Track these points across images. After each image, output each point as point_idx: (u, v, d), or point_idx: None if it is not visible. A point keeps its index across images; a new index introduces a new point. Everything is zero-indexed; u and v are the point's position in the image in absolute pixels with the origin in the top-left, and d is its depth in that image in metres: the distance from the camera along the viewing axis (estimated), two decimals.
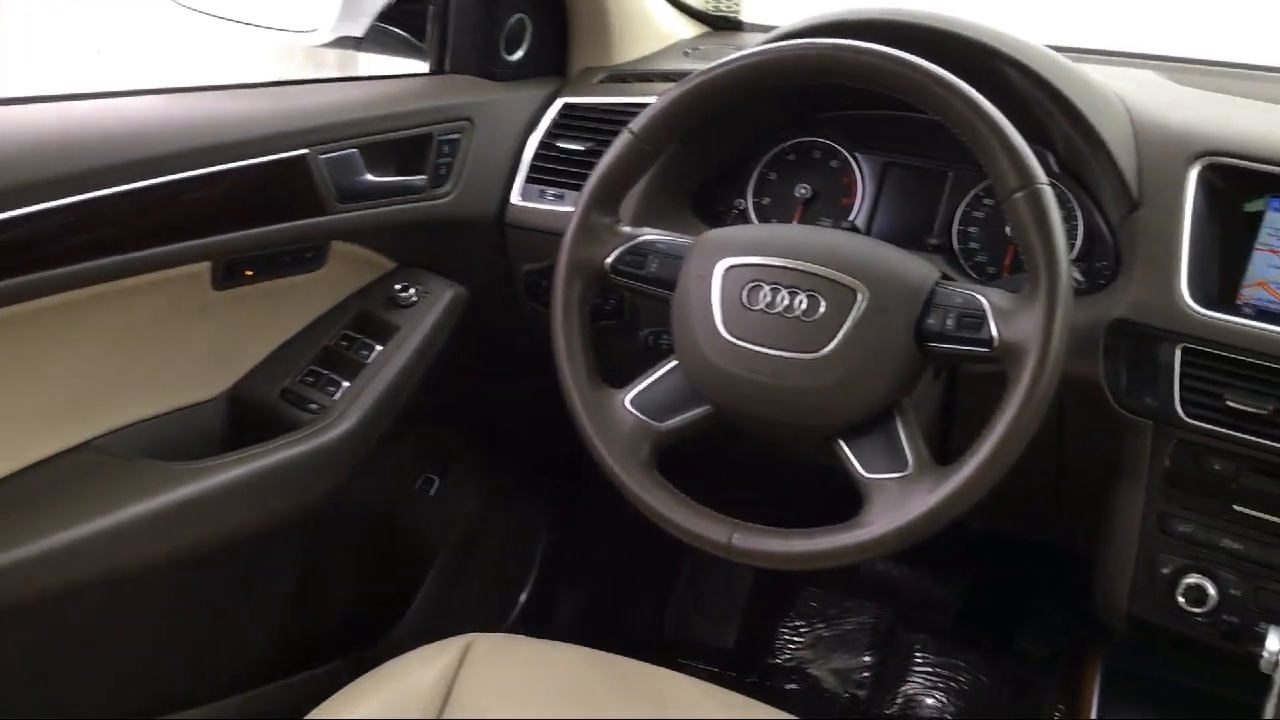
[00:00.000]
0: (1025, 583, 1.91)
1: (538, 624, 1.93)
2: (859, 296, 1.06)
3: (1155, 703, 1.23)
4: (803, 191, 1.42)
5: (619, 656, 1.19)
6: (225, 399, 1.38)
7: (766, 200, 1.45)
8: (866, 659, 1.95)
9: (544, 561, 1.96)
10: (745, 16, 1.91)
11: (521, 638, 1.24)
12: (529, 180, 1.51)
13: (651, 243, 1.18)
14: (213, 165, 1.22)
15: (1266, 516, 1.12)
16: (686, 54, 1.71)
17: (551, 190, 1.49)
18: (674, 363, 1.16)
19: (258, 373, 1.40)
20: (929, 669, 1.90)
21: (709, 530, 1.09)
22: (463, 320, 1.50)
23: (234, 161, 1.24)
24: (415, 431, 1.61)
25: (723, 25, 1.89)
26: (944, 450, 1.24)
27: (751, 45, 1.13)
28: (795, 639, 2.00)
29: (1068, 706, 1.65)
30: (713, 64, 1.12)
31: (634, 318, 1.45)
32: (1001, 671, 1.85)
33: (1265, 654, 0.99)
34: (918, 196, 1.38)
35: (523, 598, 1.93)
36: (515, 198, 1.51)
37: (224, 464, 1.27)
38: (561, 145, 1.50)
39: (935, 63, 1.03)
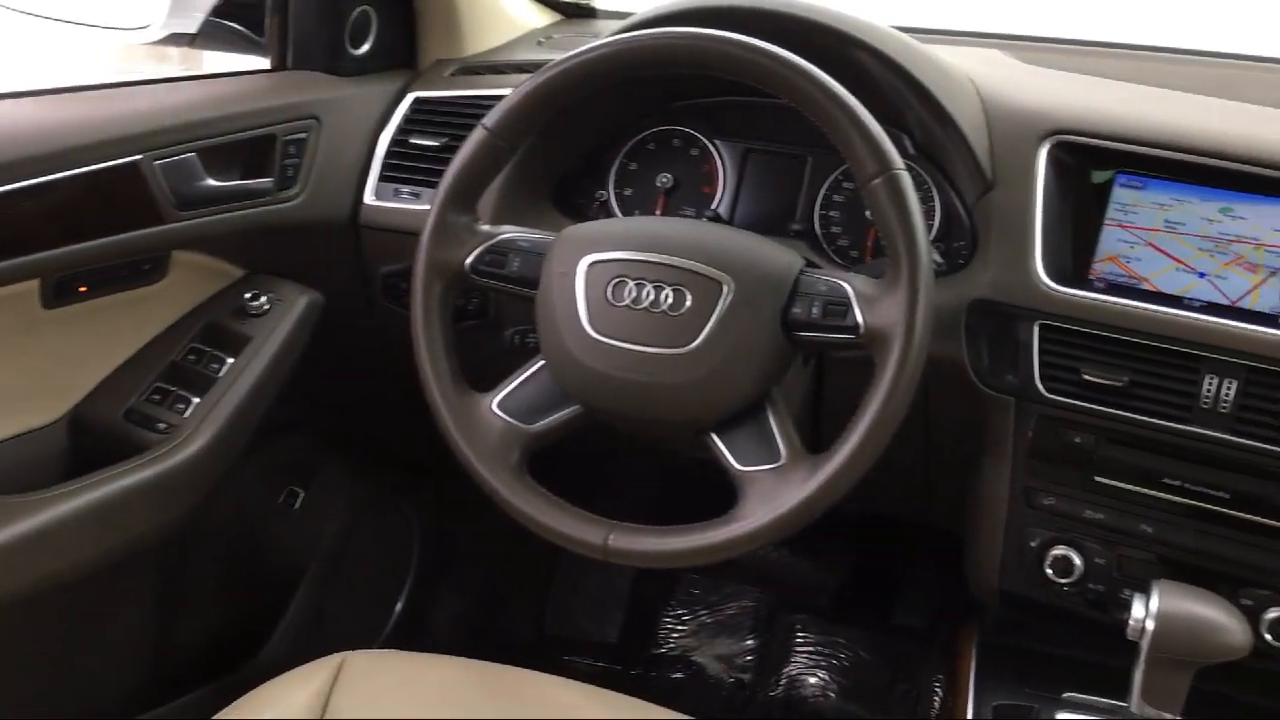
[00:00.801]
0: (901, 559, 1.94)
1: (415, 635, 1.88)
2: (725, 289, 1.05)
3: (1031, 672, 1.25)
4: (664, 181, 1.40)
5: (497, 664, 1.17)
6: (64, 423, 1.30)
7: (628, 191, 1.42)
8: (749, 643, 1.96)
9: (419, 569, 1.91)
10: (599, 3, 1.88)
11: (396, 652, 1.20)
12: (382, 179, 1.46)
13: (512, 240, 1.14)
14: (38, 176, 1.14)
15: (1125, 486, 1.15)
16: (540, 43, 1.68)
17: (406, 189, 1.44)
18: (541, 363, 1.14)
19: (98, 394, 1.32)
20: (811, 649, 1.91)
21: (584, 533, 1.07)
22: (319, 327, 1.44)
23: (61, 171, 1.16)
24: (275, 444, 1.55)
25: (576, 13, 1.86)
26: (816, 437, 1.24)
27: (606, 34, 1.11)
28: (679, 628, 2.00)
29: (946, 676, 1.69)
30: (566, 55, 1.09)
31: (499, 317, 1.41)
32: (881, 646, 1.88)
33: (1131, 621, 1.02)
34: (779, 182, 1.37)
35: (399, 608, 1.88)
36: (369, 198, 1.46)
37: (66, 493, 1.20)
38: (415, 141, 1.45)
39: (789, 49, 1.03)
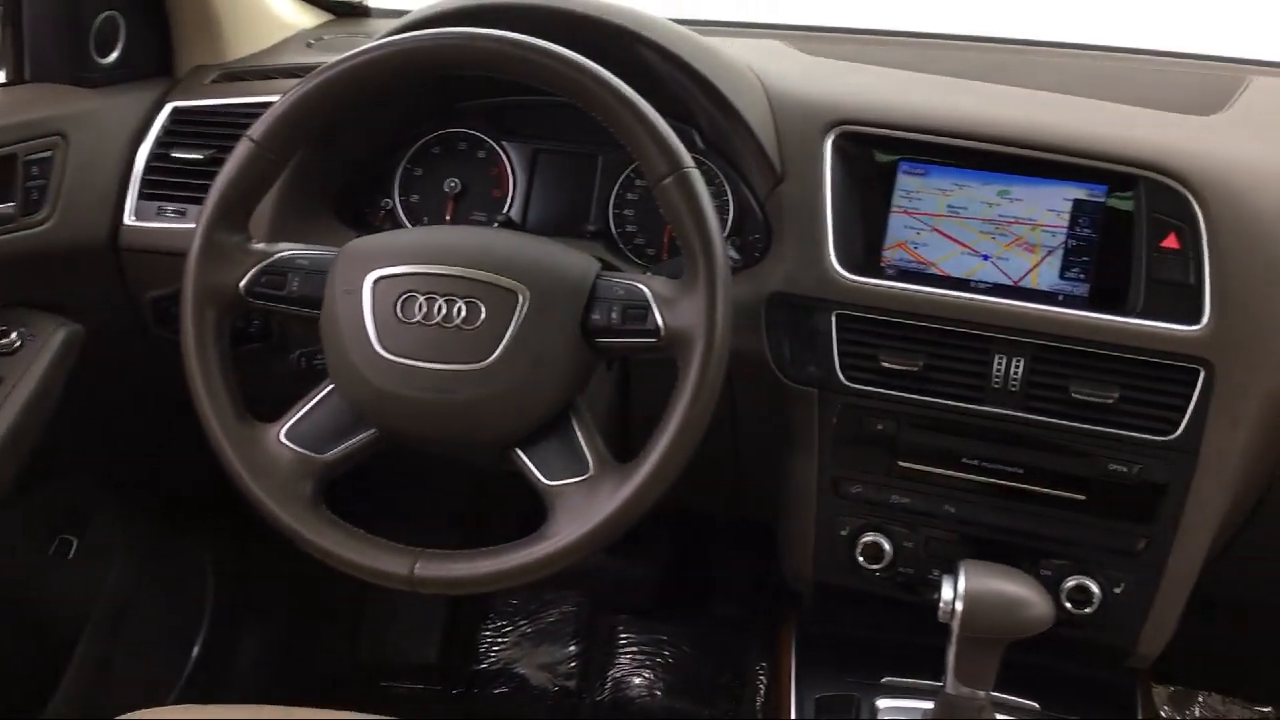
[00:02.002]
0: (718, 552, 1.95)
1: (215, 680, 1.76)
2: (520, 299, 1.01)
3: (851, 659, 1.26)
4: (452, 186, 1.34)
5: (292, 708, 1.10)
6: None
7: (415, 198, 1.36)
8: (572, 649, 1.93)
9: (215, 609, 1.79)
10: (372, 1, 1.80)
11: (184, 708, 1.11)
12: (143, 197, 1.35)
13: (290, 259, 1.07)
14: None
15: (927, 469, 1.17)
16: (310, 45, 1.59)
17: (171, 206, 1.34)
18: (330, 387, 1.07)
19: None
20: (634, 649, 1.90)
21: (387, 564, 1.02)
22: (83, 360, 1.32)
23: None
24: (41, 491, 1.41)
25: (348, 11, 1.77)
26: (625, 444, 1.22)
27: (380, 34, 1.05)
28: (500, 641, 1.95)
29: (769, 665, 1.70)
30: (336, 59, 1.03)
31: (283, 339, 1.33)
32: (703, 640, 1.89)
33: (941, 603, 1.03)
34: (571, 183, 1.34)
35: (195, 653, 1.76)
36: (129, 218, 1.35)
37: None
38: (177, 155, 1.35)
39: (571, 47, 1.00)
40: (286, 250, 1.08)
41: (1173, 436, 1.09)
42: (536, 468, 1.03)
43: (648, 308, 1.01)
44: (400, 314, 1.02)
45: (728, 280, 0.99)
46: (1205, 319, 1.08)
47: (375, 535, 1.04)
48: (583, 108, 1.01)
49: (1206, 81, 1.42)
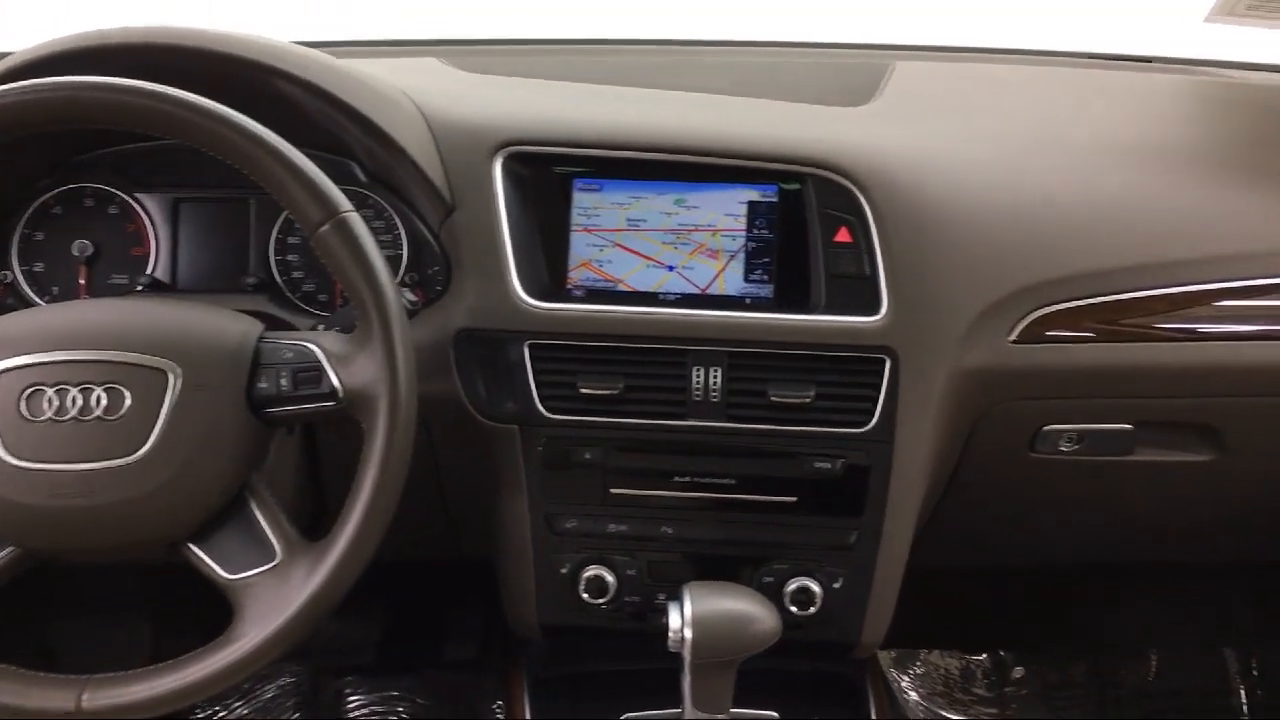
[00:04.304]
0: (444, 595, 1.86)
1: None
2: (170, 377, 0.90)
3: (587, 696, 1.22)
4: (83, 248, 1.18)
5: None
6: None
7: (39, 267, 1.19)
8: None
9: None
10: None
11: None
12: None
13: None
14: None
15: (640, 492, 1.14)
16: None
17: None
18: None
19: None
20: (365, 710, 1.78)
21: (50, 699, 0.90)
22: None
23: None
24: None
25: None
26: (320, 515, 1.12)
27: None
28: None
29: (505, 702, 1.63)
30: None
31: None
32: (436, 687, 1.80)
33: (670, 633, 1.00)
34: (222, 232, 1.21)
35: None
36: None
37: None
38: None
39: (198, 90, 0.89)
40: None
41: (869, 427, 1.11)
42: (215, 561, 0.93)
43: (320, 369, 0.93)
44: (27, 412, 0.88)
45: (405, 328, 0.92)
46: (884, 309, 1.10)
47: (43, 655, 0.91)
48: (219, 156, 0.90)
49: (854, 71, 1.47)
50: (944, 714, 1.84)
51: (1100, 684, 1.84)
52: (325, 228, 0.90)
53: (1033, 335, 1.14)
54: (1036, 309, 1.13)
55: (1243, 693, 1.82)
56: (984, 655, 1.87)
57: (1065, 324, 1.14)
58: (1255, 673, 1.82)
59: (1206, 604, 1.83)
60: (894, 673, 1.85)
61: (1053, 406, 1.18)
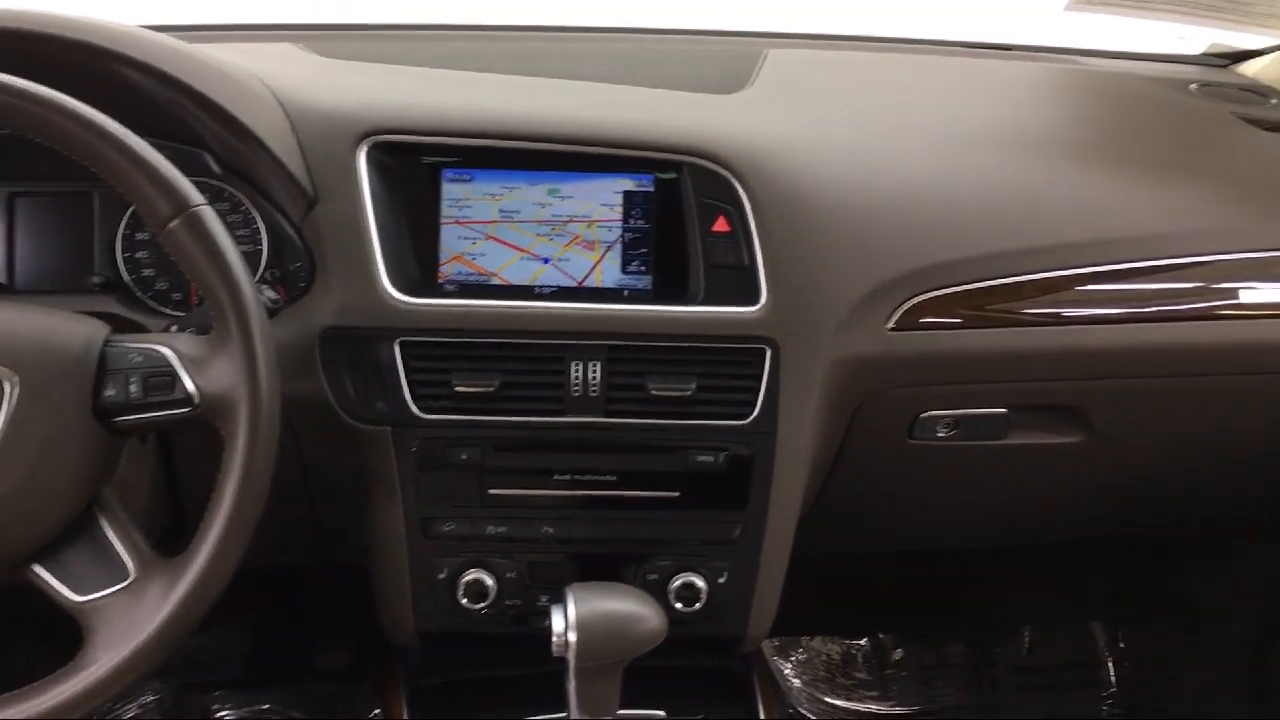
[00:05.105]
0: (316, 600, 1.79)
1: None
2: (6, 387, 0.84)
3: (468, 704, 1.18)
4: None
5: None
6: None
7: None
8: None
9: None
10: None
11: None
12: None
13: None
14: None
15: (519, 492, 1.10)
16: None
17: None
18: None
19: None
20: None
21: None
22: None
23: None
24: None
25: None
26: (179, 528, 1.06)
27: None
28: None
29: (382, 711, 1.58)
30: None
31: None
32: (310, 697, 1.73)
33: (554, 638, 0.97)
34: (64, 228, 1.13)
35: None
36: None
37: None
38: None
39: (33, 76, 0.83)
40: None
41: (751, 419, 1.09)
42: (62, 582, 0.87)
43: (174, 374, 0.87)
44: None
45: (265, 328, 0.87)
46: (763, 299, 1.09)
47: None
48: (55, 147, 0.84)
49: (727, 58, 1.46)
50: (826, 700, 1.85)
51: (976, 662, 1.88)
52: (175, 223, 0.85)
53: (908, 323, 1.14)
54: (911, 297, 1.14)
55: (1110, 664, 1.89)
56: (864, 640, 1.89)
57: (938, 311, 1.15)
58: (1121, 645, 1.89)
59: (1075, 581, 1.89)
60: (776, 660, 1.86)
61: (930, 393, 1.19)
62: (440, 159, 1.11)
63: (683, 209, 1.11)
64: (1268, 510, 1.50)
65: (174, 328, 1.06)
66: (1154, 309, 1.19)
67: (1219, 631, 1.73)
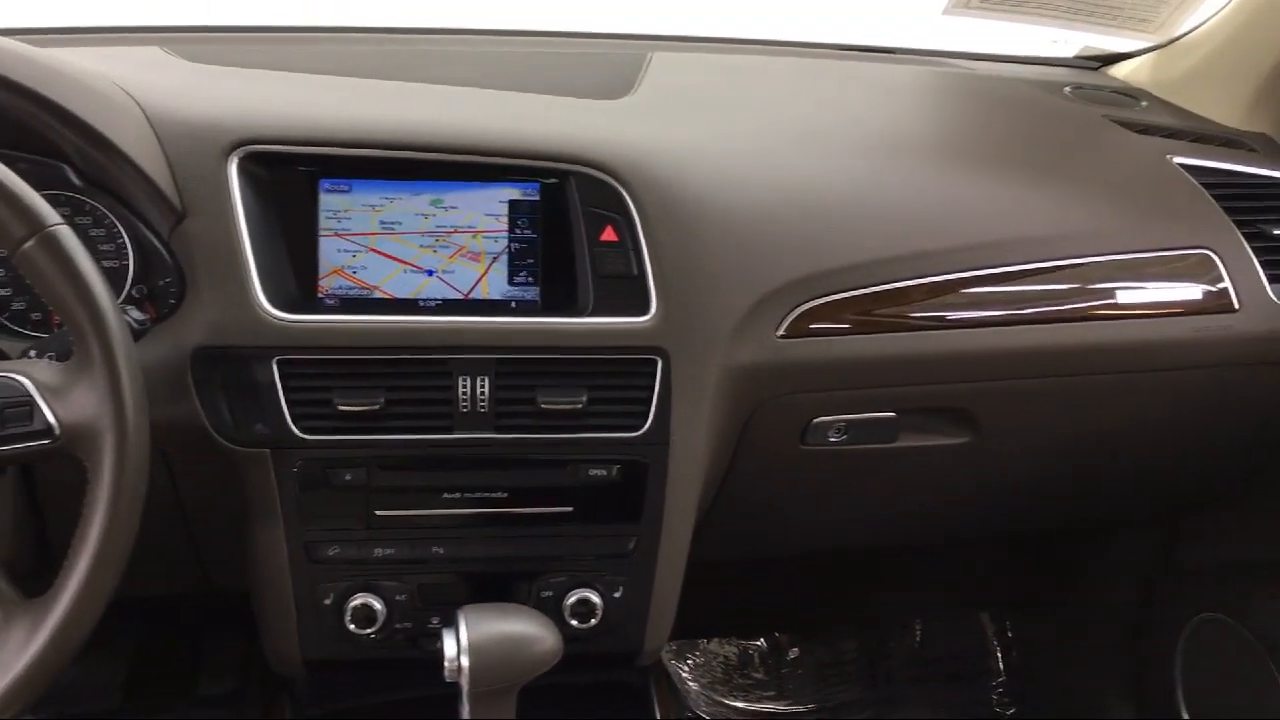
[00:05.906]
0: (195, 628, 1.72)
1: None
2: None
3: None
4: None
5: None
6: None
7: None
8: None
9: None
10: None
11: None
12: None
13: None
14: None
15: (408, 512, 1.07)
16: None
17: None
18: None
19: None
20: None
21: None
22: None
23: None
24: None
25: None
26: (46, 563, 1.00)
27: None
28: None
29: None
30: None
31: None
32: None
33: (446, 662, 0.95)
34: None
35: None
36: None
37: None
38: None
39: None
40: None
41: (643, 430, 1.08)
42: None
43: (31, 403, 0.82)
44: None
45: (130, 352, 0.83)
46: (653, 309, 1.08)
47: None
48: None
49: (611, 62, 1.44)
50: (724, 701, 1.86)
51: (870, 657, 1.91)
52: (29, 244, 0.80)
53: (798, 330, 1.14)
54: (800, 304, 1.14)
55: (999, 653, 1.93)
56: (760, 640, 1.90)
57: (827, 317, 1.15)
58: (1009, 634, 1.93)
59: (964, 574, 1.92)
60: (674, 664, 1.86)
61: (821, 399, 1.19)
62: (316, 169, 1.07)
63: (570, 218, 1.09)
64: (1153, 506, 1.55)
65: (32, 352, 1.00)
66: (1034, 311, 1.21)
67: (1100, 615, 1.79)
